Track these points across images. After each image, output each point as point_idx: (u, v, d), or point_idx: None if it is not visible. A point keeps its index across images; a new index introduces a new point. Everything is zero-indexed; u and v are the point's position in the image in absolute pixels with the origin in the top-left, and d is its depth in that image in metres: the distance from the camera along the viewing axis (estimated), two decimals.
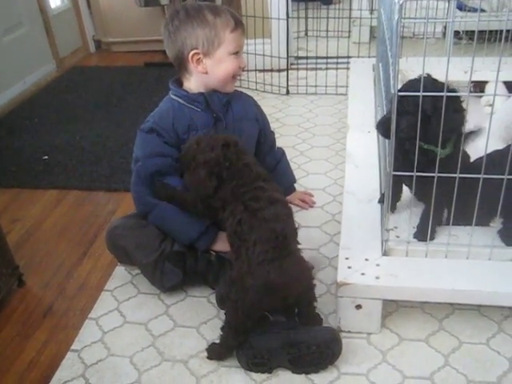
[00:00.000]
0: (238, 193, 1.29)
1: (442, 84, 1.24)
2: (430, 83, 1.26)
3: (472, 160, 1.45)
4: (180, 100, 1.54)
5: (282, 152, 1.80)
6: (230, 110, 1.58)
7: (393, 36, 1.27)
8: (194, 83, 1.54)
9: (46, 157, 2.41)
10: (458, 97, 1.27)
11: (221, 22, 1.47)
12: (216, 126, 1.53)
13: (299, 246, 1.30)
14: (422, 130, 1.22)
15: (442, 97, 1.17)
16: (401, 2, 1.10)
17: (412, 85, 1.29)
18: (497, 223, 1.38)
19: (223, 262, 1.50)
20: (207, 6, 1.49)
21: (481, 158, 1.39)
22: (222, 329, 1.29)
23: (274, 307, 1.28)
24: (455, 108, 1.26)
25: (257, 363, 1.26)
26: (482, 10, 2.96)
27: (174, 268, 1.51)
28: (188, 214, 1.48)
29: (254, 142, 1.66)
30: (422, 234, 1.39)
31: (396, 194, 1.50)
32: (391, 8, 1.33)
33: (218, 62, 1.49)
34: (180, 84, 1.57)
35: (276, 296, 1.20)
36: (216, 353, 1.32)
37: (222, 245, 1.51)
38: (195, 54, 1.48)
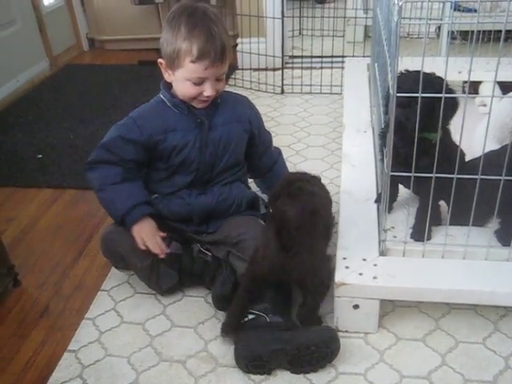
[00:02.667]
0: None
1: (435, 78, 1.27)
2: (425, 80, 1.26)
3: (468, 160, 1.46)
4: (166, 102, 1.52)
5: (278, 152, 1.79)
6: (219, 112, 1.55)
7: (392, 37, 1.27)
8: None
9: (41, 155, 2.40)
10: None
11: (185, 47, 1.40)
12: (200, 129, 1.51)
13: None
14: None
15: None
16: (400, 3, 1.10)
17: (405, 80, 1.30)
18: (493, 223, 1.39)
19: (219, 262, 1.50)
20: (187, 23, 1.40)
21: (476, 159, 1.40)
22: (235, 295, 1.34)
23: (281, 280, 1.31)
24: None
25: (256, 365, 1.26)
26: (475, 11, 2.98)
27: (170, 270, 1.51)
28: (129, 190, 1.47)
29: (244, 145, 1.63)
30: (419, 233, 1.40)
31: (393, 194, 1.51)
32: (389, 9, 1.34)
33: (177, 81, 1.47)
34: (171, 86, 1.54)
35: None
36: (228, 324, 1.35)
37: (142, 231, 1.45)
38: (161, 63, 1.48)
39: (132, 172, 1.51)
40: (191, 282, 1.55)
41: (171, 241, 1.53)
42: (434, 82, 1.27)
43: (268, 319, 1.30)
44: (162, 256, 1.46)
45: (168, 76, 1.49)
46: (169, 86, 1.54)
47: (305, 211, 1.20)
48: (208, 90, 1.46)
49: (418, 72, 1.24)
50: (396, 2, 1.14)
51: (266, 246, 1.25)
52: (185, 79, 1.45)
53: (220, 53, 1.41)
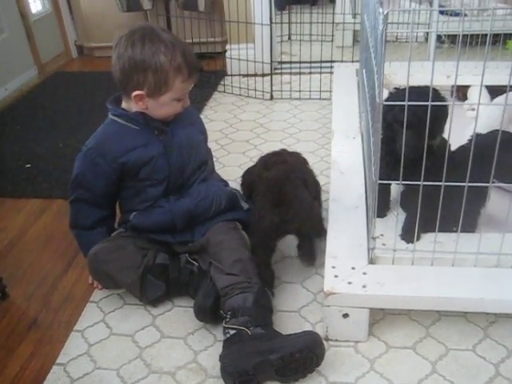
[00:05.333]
0: None
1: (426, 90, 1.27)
2: (417, 94, 1.26)
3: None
4: (119, 120, 1.51)
5: None
6: (174, 120, 1.55)
7: (377, 45, 1.27)
8: (133, 107, 1.50)
9: (29, 165, 2.38)
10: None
11: (174, 70, 1.40)
12: (161, 139, 1.52)
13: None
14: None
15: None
16: (386, 12, 1.10)
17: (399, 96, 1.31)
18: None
19: (205, 273, 1.49)
20: (165, 44, 1.40)
21: (463, 146, 1.48)
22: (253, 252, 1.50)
23: (283, 230, 1.50)
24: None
25: (243, 381, 1.24)
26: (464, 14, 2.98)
27: (157, 280, 1.50)
28: (90, 240, 1.56)
29: (203, 144, 1.68)
30: (409, 235, 1.41)
31: (385, 201, 1.52)
32: (376, 16, 1.34)
33: (160, 105, 1.46)
34: (118, 102, 1.53)
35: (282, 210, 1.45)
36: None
37: None
38: (138, 94, 1.44)
39: (104, 208, 1.58)
40: (178, 293, 1.55)
41: (158, 252, 1.53)
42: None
43: (249, 332, 1.28)
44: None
45: (142, 104, 1.46)
46: (116, 103, 1.52)
47: (280, 173, 1.51)
48: (187, 101, 1.51)
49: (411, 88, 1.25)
50: (381, 10, 1.14)
51: (262, 208, 1.48)
52: (172, 100, 1.46)
53: (197, 62, 1.48)
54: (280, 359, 1.22)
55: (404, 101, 1.19)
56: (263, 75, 3.10)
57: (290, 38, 3.75)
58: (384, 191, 1.50)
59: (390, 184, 1.51)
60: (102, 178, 1.51)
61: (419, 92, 1.28)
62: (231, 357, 1.26)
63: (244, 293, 1.35)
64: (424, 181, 1.26)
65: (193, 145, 1.59)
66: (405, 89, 1.27)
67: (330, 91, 2.73)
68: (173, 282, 1.52)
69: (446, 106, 1.35)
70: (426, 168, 1.24)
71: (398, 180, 1.29)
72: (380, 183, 1.31)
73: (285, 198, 1.46)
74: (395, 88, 1.43)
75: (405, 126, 1.22)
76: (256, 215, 1.51)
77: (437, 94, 1.33)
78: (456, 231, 1.34)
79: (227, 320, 1.32)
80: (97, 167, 1.50)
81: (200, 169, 1.61)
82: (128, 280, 1.48)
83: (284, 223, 1.46)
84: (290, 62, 3.28)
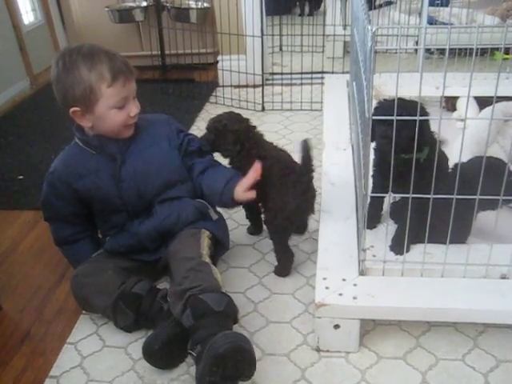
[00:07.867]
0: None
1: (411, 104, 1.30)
2: (402, 106, 1.28)
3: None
4: (80, 143, 1.55)
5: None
6: (134, 142, 1.55)
7: (366, 61, 1.29)
8: (89, 130, 1.52)
9: (22, 176, 2.39)
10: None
11: (95, 77, 1.40)
12: (111, 167, 1.53)
13: None
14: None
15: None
16: (374, 29, 1.12)
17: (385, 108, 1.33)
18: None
19: (170, 315, 1.40)
20: (84, 57, 1.41)
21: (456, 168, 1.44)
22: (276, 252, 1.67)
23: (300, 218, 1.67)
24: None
25: None
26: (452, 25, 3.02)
27: (127, 309, 1.45)
28: (75, 255, 1.65)
29: (174, 161, 1.60)
30: (399, 246, 1.42)
31: (376, 213, 1.54)
32: (365, 32, 1.36)
33: (101, 117, 1.45)
34: (82, 127, 1.53)
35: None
36: (281, 269, 1.67)
37: None
38: (75, 111, 1.45)
39: (78, 224, 1.64)
40: (147, 326, 1.48)
41: (139, 280, 1.50)
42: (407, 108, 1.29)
43: (194, 354, 1.26)
44: None
45: (86, 122, 1.48)
46: (80, 127, 1.53)
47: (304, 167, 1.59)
48: (133, 108, 1.49)
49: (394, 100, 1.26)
50: (369, 27, 1.16)
51: (286, 196, 1.57)
52: (109, 109, 1.44)
53: (127, 66, 1.47)
54: (210, 381, 1.20)
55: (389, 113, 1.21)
56: (254, 86, 3.13)
57: (281, 49, 3.77)
58: (376, 203, 1.52)
59: (384, 196, 1.53)
60: (63, 200, 1.58)
61: (402, 106, 1.29)
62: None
63: (186, 310, 1.31)
64: (414, 193, 1.28)
65: (151, 169, 1.56)
66: (390, 100, 1.30)
67: (321, 102, 2.76)
68: (142, 314, 1.46)
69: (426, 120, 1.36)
70: (415, 181, 1.26)
71: (393, 191, 1.31)
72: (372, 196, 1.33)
73: (309, 188, 1.59)
74: (383, 99, 1.44)
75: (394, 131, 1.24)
76: (278, 203, 1.59)
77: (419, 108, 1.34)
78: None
79: None
80: (56, 190, 1.57)
81: (165, 190, 1.58)
82: (102, 305, 1.47)
83: (305, 210, 1.63)
84: (281, 74, 3.31)
